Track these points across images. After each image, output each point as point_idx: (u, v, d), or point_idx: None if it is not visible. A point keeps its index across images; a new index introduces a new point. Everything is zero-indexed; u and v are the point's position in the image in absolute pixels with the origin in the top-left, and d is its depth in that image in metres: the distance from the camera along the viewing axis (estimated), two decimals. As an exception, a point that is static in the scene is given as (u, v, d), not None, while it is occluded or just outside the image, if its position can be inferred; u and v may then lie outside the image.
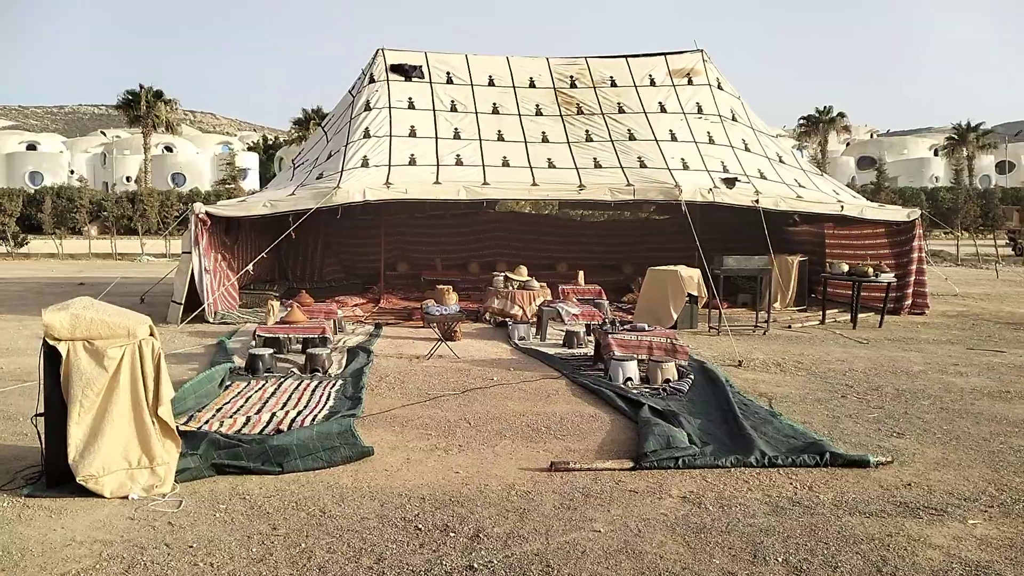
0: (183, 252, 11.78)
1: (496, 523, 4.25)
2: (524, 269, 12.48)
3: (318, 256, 17.08)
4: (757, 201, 12.45)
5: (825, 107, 60.24)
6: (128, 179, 61.43)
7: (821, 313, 12.56)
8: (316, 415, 6.42)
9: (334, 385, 7.60)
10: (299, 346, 9.33)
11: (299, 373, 8.14)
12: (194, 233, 11.43)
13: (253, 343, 8.85)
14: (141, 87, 56.06)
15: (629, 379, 7.71)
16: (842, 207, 13.06)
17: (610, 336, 8.21)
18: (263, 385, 7.60)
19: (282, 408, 6.64)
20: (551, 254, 17.95)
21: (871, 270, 11.96)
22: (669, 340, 8.26)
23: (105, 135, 73.53)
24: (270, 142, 77.94)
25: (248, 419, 6.25)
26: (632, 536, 4.09)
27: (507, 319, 11.86)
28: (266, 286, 14.30)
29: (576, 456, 5.45)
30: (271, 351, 8.29)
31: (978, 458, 5.48)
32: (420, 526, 4.20)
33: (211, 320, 11.56)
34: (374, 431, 6.03)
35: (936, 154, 68.59)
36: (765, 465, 5.24)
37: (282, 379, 7.86)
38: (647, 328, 8.49)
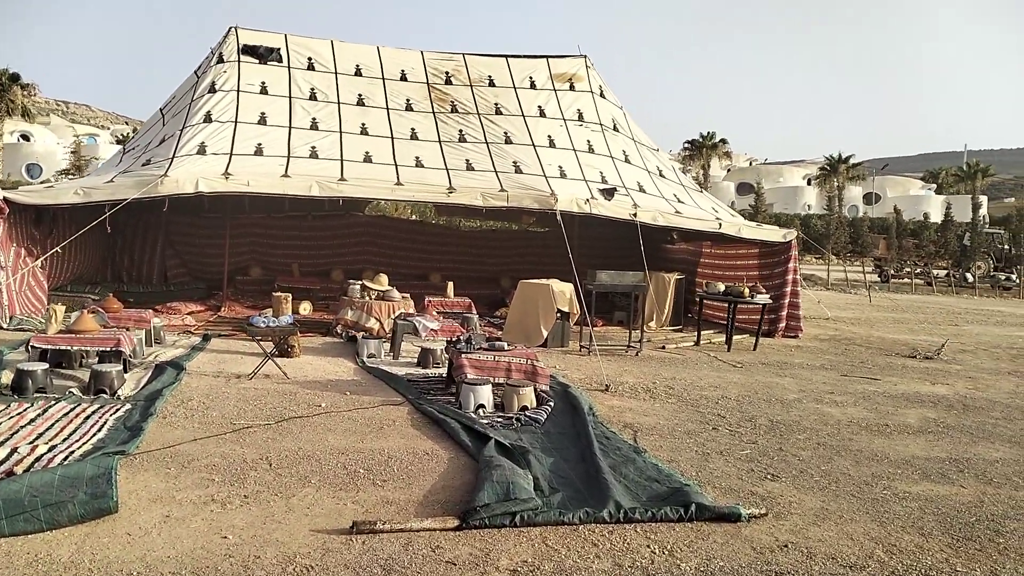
0: (-29, 245, 9.90)
1: (247, 621, 3.08)
2: (384, 278, 11.29)
3: (158, 256, 15.24)
4: (635, 215, 11.80)
5: (709, 132, 61.96)
6: (-25, 167, 55.77)
7: (696, 334, 12.01)
8: (74, 451, 5.03)
9: (117, 411, 6.18)
10: (96, 360, 7.80)
11: (78, 395, 6.64)
12: (-14, 222, 9.61)
13: (27, 355, 7.26)
14: (-6, 67, 51.09)
15: (481, 406, 6.69)
16: (720, 225, 12.63)
17: (463, 356, 7.16)
18: (24, 409, 6.09)
19: (30, 443, 5.20)
20: (424, 263, 16.84)
21: (747, 291, 11.51)
22: (529, 361, 7.30)
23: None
24: (142, 136, 72.93)
25: (-25, 457, 4.78)
26: (432, 637, 3.02)
27: (361, 333, 10.64)
28: (87, 288, 12.45)
29: (392, 511, 4.35)
30: (45, 367, 6.74)
31: (861, 508, 4.76)
32: (133, 629, 2.97)
33: (4, 325, 9.75)
34: (141, 475, 4.73)
35: (809, 183, 71.99)
36: (620, 520, 4.31)
37: (54, 402, 6.36)
38: (507, 347, 7.50)
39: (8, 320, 9.89)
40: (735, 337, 11.89)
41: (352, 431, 5.97)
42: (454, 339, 7.66)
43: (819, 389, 8.63)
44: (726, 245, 14.13)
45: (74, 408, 6.22)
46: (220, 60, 12.32)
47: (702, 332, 12.13)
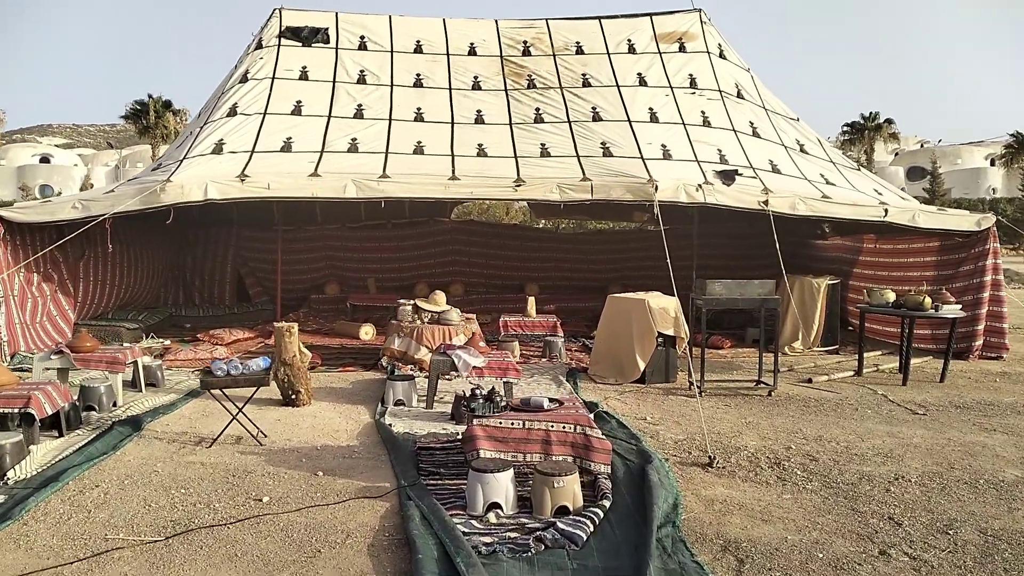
0: (-35, 271, 8.66)
1: None
2: (441, 296, 9.10)
3: (228, 276, 13.90)
4: (766, 203, 8.94)
5: (871, 113, 55.78)
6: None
7: (857, 360, 8.93)
8: None
9: (-33, 512, 4.31)
10: (89, 413, 6.29)
11: (-48, 479, 4.87)
12: (-20, 245, 8.33)
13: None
14: (150, 96, 54.43)
15: (495, 506, 4.30)
16: (886, 211, 9.45)
17: (475, 422, 4.79)
18: None
19: None
20: (520, 273, 14.56)
21: (927, 300, 8.34)
22: (579, 428, 4.80)
23: (112, 146, 72.22)
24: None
25: None
26: None
27: (409, 367, 8.52)
28: (131, 314, 11.13)
29: None
30: (-82, 439, 5.03)
31: None
32: None
33: (5, 363, 8.41)
34: None
35: (993, 164, 63.48)
36: None
37: (-99, 494, 4.60)
38: (547, 405, 5.03)
39: (8, 358, 8.57)
40: (913, 361, 8.74)
41: (265, 560, 3.75)
42: (468, 393, 5.29)
43: (1057, 458, 5.53)
44: (895, 238, 10.82)
45: (-83, 506, 4.42)
46: (259, 46, 10.64)
47: (865, 355, 9.05)
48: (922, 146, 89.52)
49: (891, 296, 8.71)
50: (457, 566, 3.57)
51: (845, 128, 58.21)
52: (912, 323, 8.55)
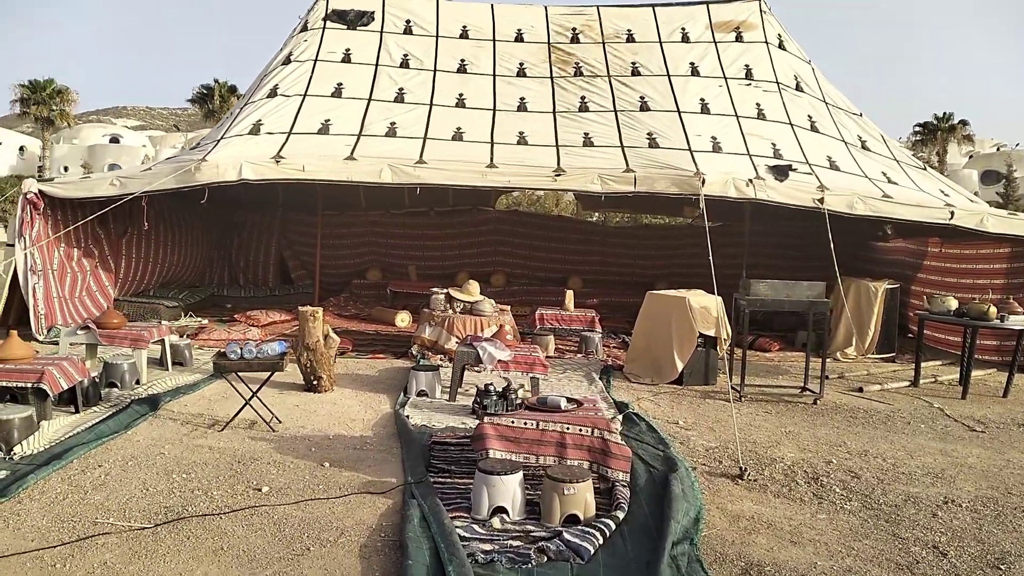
0: (7, 244, 8.79)
1: None
2: (475, 286, 8.88)
3: (273, 257, 13.95)
4: (821, 200, 8.44)
5: (945, 114, 53.62)
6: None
7: (914, 369, 8.38)
8: None
9: (-35, 486, 4.25)
10: (110, 390, 6.31)
11: (-41, 452, 4.83)
12: (20, 219, 8.41)
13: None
14: (216, 81, 55.61)
15: (500, 510, 4.05)
16: (952, 214, 8.84)
17: (487, 421, 4.53)
18: None
19: None
20: (564, 266, 14.23)
21: (992, 309, 7.75)
22: (597, 432, 4.50)
23: (179, 129, 74.01)
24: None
25: None
26: None
27: (439, 357, 8.34)
28: (172, 292, 11.20)
29: None
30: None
31: None
32: None
33: (40, 337, 8.52)
34: None
35: (1075, 170, 60.25)
36: None
37: (-93, 464, 4.58)
38: (565, 406, 4.73)
39: (45, 332, 8.66)
40: (975, 373, 8.17)
41: (251, 556, 3.57)
42: (483, 388, 5.03)
43: None
44: (961, 243, 10.17)
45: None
46: (304, 28, 10.55)
47: (924, 364, 8.49)
48: (998, 149, 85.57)
49: (953, 304, 8.14)
50: (448, 575, 3.32)
51: (917, 128, 56.14)
52: (975, 333, 7.98)
